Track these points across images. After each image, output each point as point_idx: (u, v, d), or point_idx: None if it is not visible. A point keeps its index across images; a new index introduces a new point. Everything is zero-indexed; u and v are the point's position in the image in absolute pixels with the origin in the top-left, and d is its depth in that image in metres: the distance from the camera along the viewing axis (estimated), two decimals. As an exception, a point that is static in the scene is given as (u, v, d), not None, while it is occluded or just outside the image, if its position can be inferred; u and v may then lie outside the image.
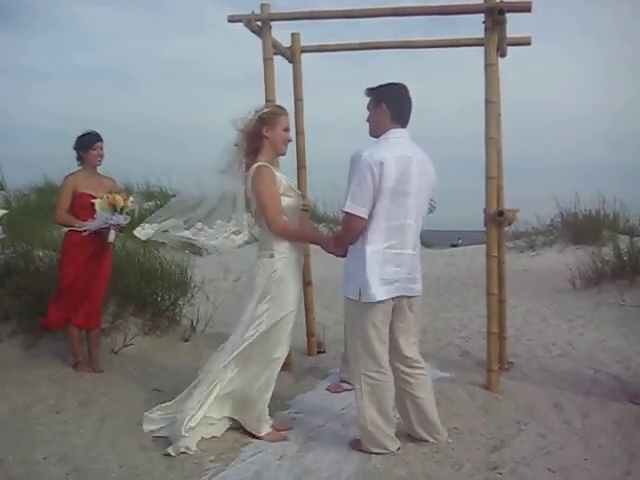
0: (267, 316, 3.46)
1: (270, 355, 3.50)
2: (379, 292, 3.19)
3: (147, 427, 3.60)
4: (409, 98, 3.39)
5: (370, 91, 3.42)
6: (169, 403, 3.66)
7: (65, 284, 4.68)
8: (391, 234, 3.22)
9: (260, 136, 3.57)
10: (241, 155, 3.62)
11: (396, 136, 3.30)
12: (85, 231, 4.55)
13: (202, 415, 3.44)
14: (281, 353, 3.54)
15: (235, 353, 3.48)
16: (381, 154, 3.17)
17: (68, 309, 4.70)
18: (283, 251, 3.52)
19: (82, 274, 4.67)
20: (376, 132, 3.38)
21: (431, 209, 3.57)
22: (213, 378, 3.50)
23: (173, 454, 3.30)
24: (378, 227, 3.21)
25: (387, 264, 3.21)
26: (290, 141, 3.72)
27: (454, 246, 17.07)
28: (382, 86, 3.39)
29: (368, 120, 3.45)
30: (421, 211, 3.36)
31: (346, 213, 3.22)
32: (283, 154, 3.76)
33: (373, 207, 3.18)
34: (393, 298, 3.26)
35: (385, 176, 3.14)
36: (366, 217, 3.19)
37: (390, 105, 3.33)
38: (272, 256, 3.51)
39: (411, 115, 3.39)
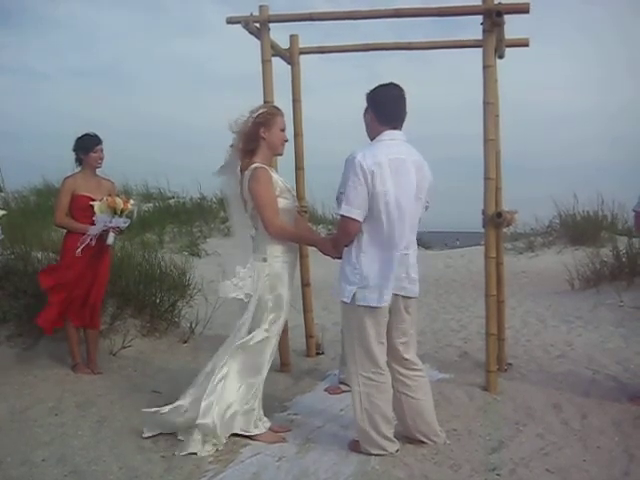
0: (263, 325, 3.47)
1: (257, 358, 3.48)
2: (374, 295, 3.19)
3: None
4: (396, 98, 3.32)
5: (365, 96, 3.41)
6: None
7: (62, 283, 4.63)
8: (386, 236, 3.20)
9: (257, 137, 3.55)
10: (237, 156, 3.60)
11: (390, 137, 3.27)
12: (89, 237, 4.53)
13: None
14: (267, 355, 3.52)
15: (228, 355, 3.48)
16: (375, 156, 3.15)
17: (67, 310, 4.69)
18: (277, 255, 3.51)
19: (81, 276, 4.67)
20: (371, 136, 3.36)
21: (425, 209, 3.57)
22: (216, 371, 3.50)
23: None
24: (373, 229, 3.20)
25: (383, 266, 3.20)
26: (287, 141, 3.72)
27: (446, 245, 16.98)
28: (370, 90, 3.35)
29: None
30: (417, 212, 3.33)
31: (342, 216, 3.20)
32: (280, 154, 3.76)
33: (368, 209, 3.16)
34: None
35: (379, 178, 3.12)
36: (361, 220, 3.17)
37: (373, 110, 3.31)
38: (265, 260, 3.50)
39: (405, 114, 3.32)
